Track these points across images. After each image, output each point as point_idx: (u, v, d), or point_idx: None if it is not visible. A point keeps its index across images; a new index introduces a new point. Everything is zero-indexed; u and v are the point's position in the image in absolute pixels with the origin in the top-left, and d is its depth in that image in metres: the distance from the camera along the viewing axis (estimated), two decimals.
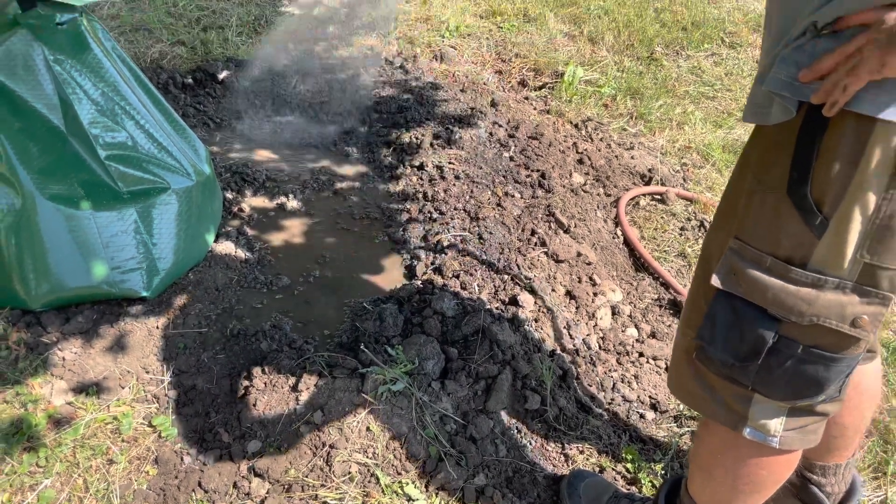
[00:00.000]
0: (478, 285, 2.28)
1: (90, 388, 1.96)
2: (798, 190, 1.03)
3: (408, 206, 2.74)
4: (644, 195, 3.06)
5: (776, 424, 1.20)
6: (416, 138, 3.07)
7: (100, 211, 2.13)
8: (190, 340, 2.13)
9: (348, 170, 3.03)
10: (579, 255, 2.52)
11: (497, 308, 2.21)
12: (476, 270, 2.34)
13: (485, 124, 3.23)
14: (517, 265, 2.38)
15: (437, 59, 4.14)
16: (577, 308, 2.35)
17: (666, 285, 2.62)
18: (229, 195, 2.73)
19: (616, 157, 3.26)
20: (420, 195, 2.77)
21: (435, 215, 2.64)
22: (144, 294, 2.18)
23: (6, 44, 1.99)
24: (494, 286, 2.29)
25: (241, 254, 2.48)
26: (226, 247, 2.47)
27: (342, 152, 3.14)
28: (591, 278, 2.49)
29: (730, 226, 1.16)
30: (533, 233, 2.55)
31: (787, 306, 1.07)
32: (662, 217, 2.95)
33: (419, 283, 2.31)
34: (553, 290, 2.36)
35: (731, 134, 3.59)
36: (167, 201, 2.26)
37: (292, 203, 2.76)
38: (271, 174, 2.89)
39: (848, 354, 1.10)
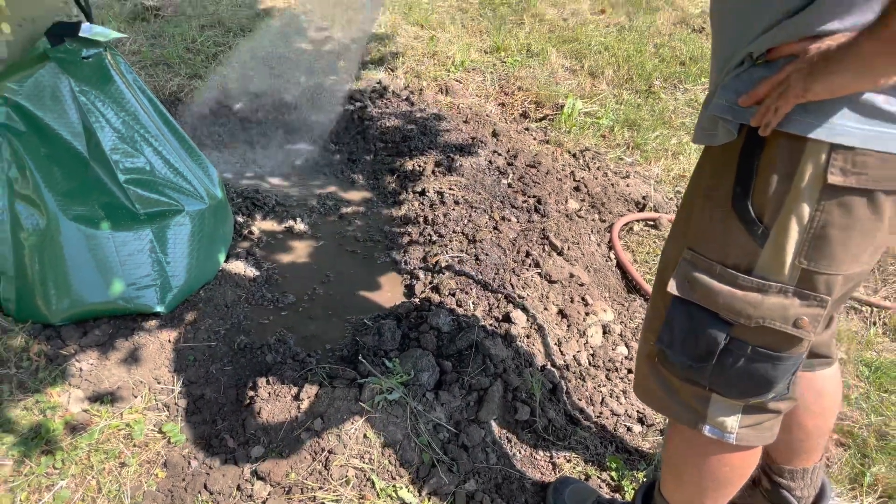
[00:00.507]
0: (473, 303, 2.40)
1: (105, 397, 2.08)
2: (741, 203, 1.15)
3: (409, 230, 2.88)
4: (638, 221, 3.18)
5: (732, 422, 1.31)
6: (419, 166, 3.22)
7: (118, 231, 2.27)
8: (199, 353, 2.25)
9: (354, 195, 3.17)
10: (572, 276, 2.63)
11: (491, 325, 2.32)
12: (472, 289, 2.45)
13: (485, 153, 3.37)
14: (511, 285, 2.50)
15: (442, 92, 4.31)
16: (568, 326, 2.46)
17: None
18: (240, 218, 2.87)
19: (612, 184, 3.39)
20: (421, 219, 2.91)
21: (434, 238, 2.77)
22: (158, 309, 2.31)
23: (35, 76, 2.16)
24: (489, 304, 2.41)
25: (250, 273, 2.61)
26: (236, 266, 2.61)
27: (348, 179, 3.29)
28: (583, 298, 2.59)
29: (684, 237, 1.28)
30: (527, 255, 2.67)
31: (736, 310, 1.18)
32: (655, 242, 3.06)
33: (417, 300, 2.43)
34: (545, 308, 2.47)
35: None
36: (181, 223, 2.40)
37: (299, 226, 2.90)
38: (280, 199, 3.04)
39: (793, 353, 1.20)
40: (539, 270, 2.60)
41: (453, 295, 2.42)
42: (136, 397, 2.11)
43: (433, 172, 3.18)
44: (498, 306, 2.40)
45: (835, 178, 1.04)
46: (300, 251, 2.79)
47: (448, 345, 2.21)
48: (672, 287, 1.27)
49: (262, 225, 2.90)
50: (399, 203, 3.07)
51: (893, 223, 1.12)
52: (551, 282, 2.59)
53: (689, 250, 1.25)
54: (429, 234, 2.80)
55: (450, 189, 3.02)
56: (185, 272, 2.40)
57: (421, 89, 4.26)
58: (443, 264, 2.58)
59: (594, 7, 5.74)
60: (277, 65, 4.36)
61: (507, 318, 2.34)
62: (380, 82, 4.26)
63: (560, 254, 2.72)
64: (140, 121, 2.36)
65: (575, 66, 4.72)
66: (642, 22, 5.45)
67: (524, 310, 2.39)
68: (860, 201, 1.06)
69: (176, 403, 2.11)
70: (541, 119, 4.13)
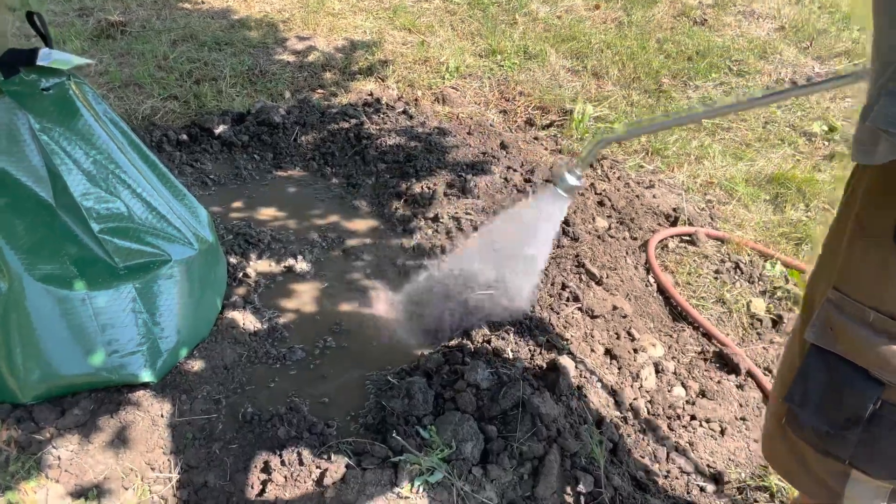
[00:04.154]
0: (511, 350, 2.09)
1: (90, 492, 1.75)
2: None
3: (425, 263, 2.56)
4: (672, 237, 2.89)
5: None
6: (428, 188, 2.91)
7: (95, 290, 1.93)
8: (198, 429, 1.92)
9: (358, 225, 2.85)
10: (615, 308, 2.34)
11: (535, 375, 2.01)
12: (508, 333, 2.15)
13: (499, 169, 3.06)
14: (551, 324, 2.20)
15: (439, 102, 4.00)
16: (619, 369, 2.16)
17: (708, 336, 2.44)
18: (233, 259, 2.54)
19: (637, 196, 3.10)
20: (438, 250, 2.59)
21: (456, 272, 2.46)
22: (147, 378, 1.98)
23: None
24: (530, 350, 2.10)
25: (250, 325, 2.28)
26: (233, 318, 2.28)
27: (350, 206, 2.97)
28: (629, 333, 2.30)
29: (829, 275, 1.00)
30: (563, 287, 2.37)
31: (893, 367, 0.91)
32: (694, 260, 2.78)
33: (446, 350, 2.12)
34: (592, 350, 2.17)
35: (753, 167, 3.44)
36: (168, 274, 2.07)
37: (301, 265, 2.57)
38: (276, 234, 2.71)
39: None
40: (579, 305, 2.30)
41: (488, 342, 2.11)
42: (126, 489, 1.78)
43: (445, 195, 2.86)
44: (540, 352, 2.10)
45: None
46: (304, 295, 2.46)
47: (490, 404, 1.90)
48: (810, 335, 1.00)
49: (258, 266, 2.57)
50: (410, 231, 2.75)
51: None
52: (593, 317, 2.29)
53: (834, 290, 0.98)
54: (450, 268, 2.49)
55: (466, 214, 2.71)
56: (176, 332, 2.07)
57: (416, 99, 3.95)
58: (470, 304, 2.27)
59: (588, 3, 5.46)
60: (259, 80, 4.02)
61: (553, 367, 2.03)
62: (371, 94, 3.94)
63: (599, 283, 2.42)
64: (114, 159, 2.02)
65: (577, 67, 4.44)
66: (641, 16, 5.18)
67: (571, 355, 2.09)
68: None
69: (175, 495, 1.79)
70: (548, 126, 3.83)
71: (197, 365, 2.10)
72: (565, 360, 2.04)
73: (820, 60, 4.70)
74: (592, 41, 4.71)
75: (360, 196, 3.01)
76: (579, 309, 2.28)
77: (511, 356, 2.08)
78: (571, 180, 1.71)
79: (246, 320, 2.29)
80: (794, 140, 3.73)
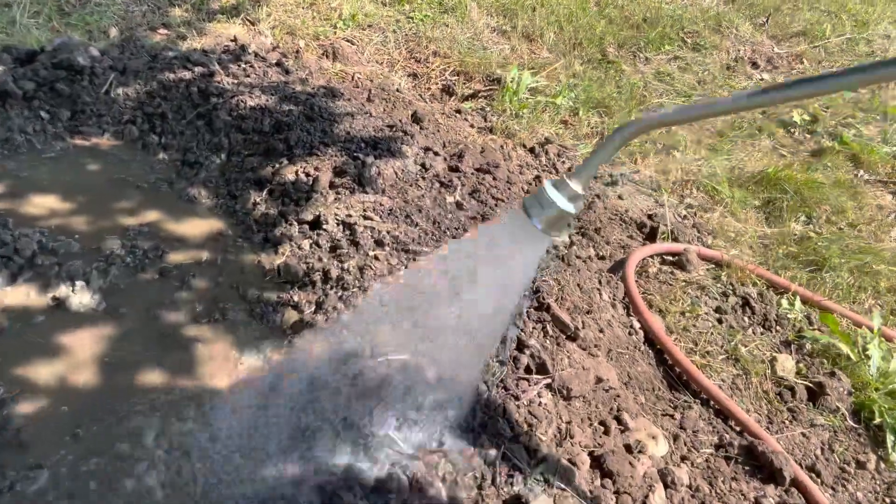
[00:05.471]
0: (443, 474, 1.17)
1: None
2: None
3: (295, 298, 1.59)
4: (653, 256, 2.07)
5: None
6: (307, 174, 1.92)
7: None
8: None
9: (191, 227, 1.83)
10: (599, 381, 1.47)
11: None
12: (440, 442, 1.23)
13: (412, 150, 2.12)
14: (507, 420, 1.30)
15: (328, 57, 3.01)
16: (616, 494, 1.30)
17: (722, 414, 1.63)
18: None
19: (598, 196, 2.26)
20: (317, 275, 1.62)
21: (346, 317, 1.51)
22: None
23: None
24: (477, 476, 1.19)
25: None
26: None
27: (183, 197, 1.93)
28: (618, 419, 1.45)
29: None
30: (522, 347, 1.47)
31: None
32: (686, 291, 1.97)
33: (332, 469, 1.17)
34: (573, 462, 1.29)
35: (732, 162, 2.68)
36: None
37: (81, 297, 1.53)
38: (49, 240, 1.65)
39: None
40: (548, 378, 1.41)
41: (396, 462, 1.18)
42: None
43: (332, 186, 1.89)
44: (493, 479, 1.19)
45: None
46: (79, 352, 1.43)
47: None
48: None
49: (7, 296, 1.51)
50: (275, 242, 1.76)
51: None
52: (568, 398, 1.41)
53: None
54: (335, 308, 1.52)
55: (365, 217, 1.75)
56: None
57: (297, 51, 2.94)
58: (369, 379, 1.32)
59: None
60: (75, 10, 2.87)
61: None
62: (234, 39, 2.88)
63: (573, 338, 1.55)
64: None
65: (505, 26, 3.55)
66: None
67: (544, 482, 1.20)
68: None
69: None
70: (471, 96, 2.94)
71: None
72: (538, 499, 1.14)
73: (776, 40, 4.06)
74: None
75: (200, 182, 1.97)
76: (548, 386, 1.40)
77: (442, 489, 1.16)
78: (563, 205, 0.81)
79: None
80: (772, 130, 3.02)
